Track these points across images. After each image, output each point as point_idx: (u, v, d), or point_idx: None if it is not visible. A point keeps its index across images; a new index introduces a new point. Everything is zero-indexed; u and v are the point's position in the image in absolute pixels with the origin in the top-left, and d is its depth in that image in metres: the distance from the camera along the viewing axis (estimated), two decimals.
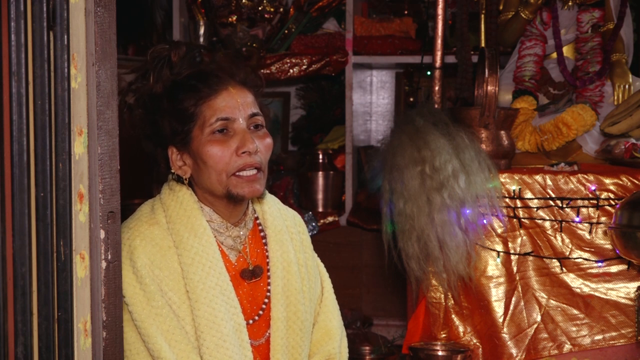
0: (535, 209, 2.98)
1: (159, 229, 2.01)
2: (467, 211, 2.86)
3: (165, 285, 1.97)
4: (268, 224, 2.13)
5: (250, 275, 2.08)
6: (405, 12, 4.79)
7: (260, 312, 2.08)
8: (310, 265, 2.21)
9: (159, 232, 2.01)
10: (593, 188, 2.96)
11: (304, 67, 4.58)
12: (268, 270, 2.11)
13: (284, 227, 2.16)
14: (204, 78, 2.03)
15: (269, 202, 2.18)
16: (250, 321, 2.06)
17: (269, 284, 2.10)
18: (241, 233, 2.09)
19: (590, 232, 2.96)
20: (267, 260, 2.12)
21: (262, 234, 2.14)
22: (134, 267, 1.96)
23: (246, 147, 1.99)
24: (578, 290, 2.96)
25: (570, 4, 3.56)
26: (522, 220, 2.98)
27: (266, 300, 2.09)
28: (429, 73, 4.26)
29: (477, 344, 2.99)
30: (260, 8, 4.81)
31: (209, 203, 2.06)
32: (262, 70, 4.46)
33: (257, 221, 2.14)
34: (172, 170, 2.06)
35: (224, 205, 2.05)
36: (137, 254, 1.96)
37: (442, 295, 3.00)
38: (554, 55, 3.57)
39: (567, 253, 2.97)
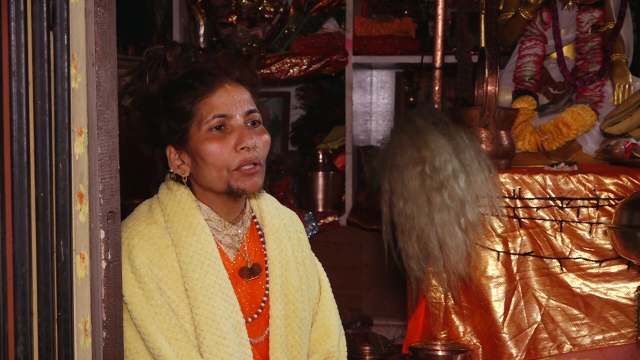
0: (535, 209, 2.98)
1: (157, 228, 2.01)
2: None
3: (164, 284, 1.97)
4: (266, 223, 2.14)
5: (249, 274, 2.08)
6: (405, 12, 4.79)
7: (259, 310, 2.08)
8: (308, 264, 2.21)
9: (157, 231, 2.01)
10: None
11: (304, 67, 4.58)
12: (266, 269, 2.11)
13: (282, 226, 2.16)
14: (200, 76, 2.04)
15: (267, 201, 2.18)
16: (249, 319, 2.06)
17: (267, 282, 2.10)
18: (239, 231, 2.09)
19: (590, 232, 2.96)
20: (266, 258, 2.12)
21: (259, 232, 2.14)
22: (132, 266, 1.96)
23: (244, 143, 1.99)
24: (578, 290, 2.96)
25: (570, 4, 3.56)
26: (522, 220, 2.98)
27: (265, 299, 2.09)
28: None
29: (477, 344, 2.98)
30: (260, 8, 4.81)
31: (207, 201, 2.06)
32: (262, 70, 4.47)
33: (255, 220, 2.14)
34: (171, 170, 2.06)
35: (223, 202, 2.05)
36: (136, 252, 1.97)
37: (442, 295, 3.00)
38: (554, 55, 3.57)
39: (567, 253, 2.96)
